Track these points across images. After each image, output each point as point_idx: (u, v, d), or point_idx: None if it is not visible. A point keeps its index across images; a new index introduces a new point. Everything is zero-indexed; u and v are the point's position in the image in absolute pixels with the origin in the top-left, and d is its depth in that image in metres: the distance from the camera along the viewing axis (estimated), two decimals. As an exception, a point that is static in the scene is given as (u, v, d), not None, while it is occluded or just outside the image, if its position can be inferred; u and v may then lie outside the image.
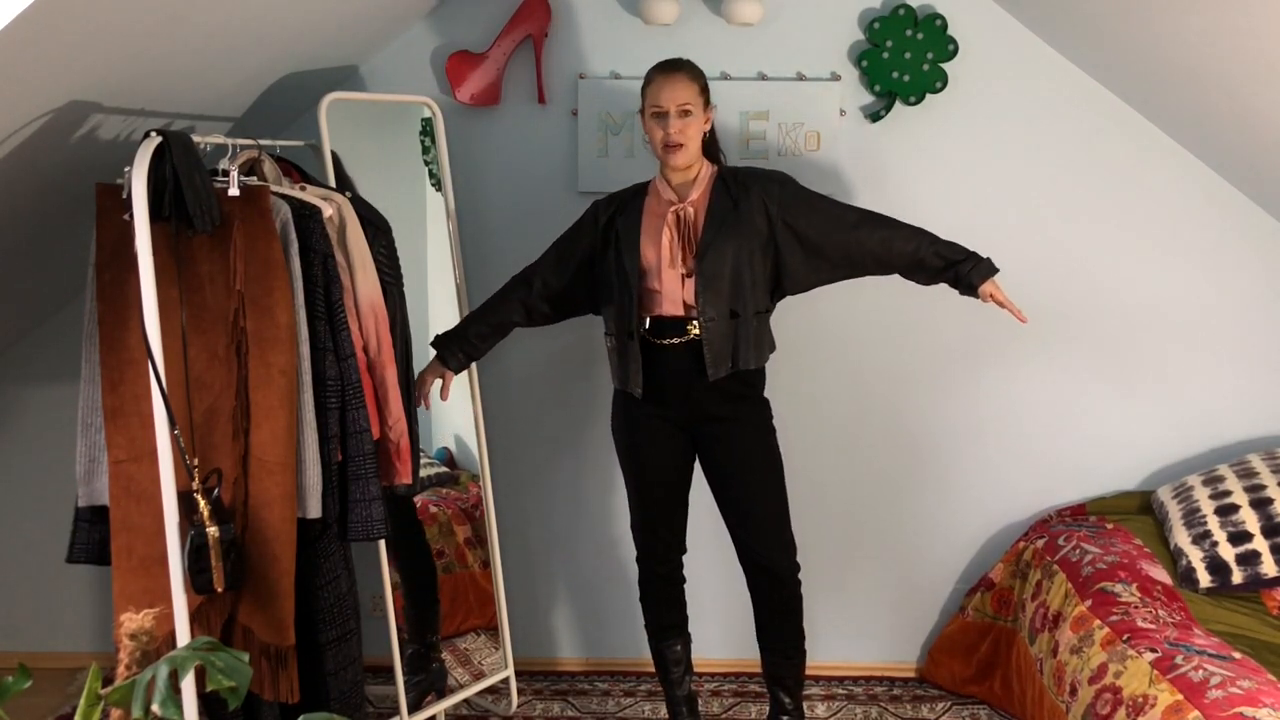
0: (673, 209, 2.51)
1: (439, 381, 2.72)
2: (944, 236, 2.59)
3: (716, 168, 2.58)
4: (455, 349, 2.72)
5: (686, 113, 2.45)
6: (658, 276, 2.52)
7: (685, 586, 2.80)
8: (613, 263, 2.57)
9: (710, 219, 2.50)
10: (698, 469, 2.70)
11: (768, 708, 2.78)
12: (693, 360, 2.52)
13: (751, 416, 2.61)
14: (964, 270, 2.52)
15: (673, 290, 2.52)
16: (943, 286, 2.62)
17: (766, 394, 2.65)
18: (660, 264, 2.51)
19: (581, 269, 2.67)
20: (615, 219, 2.59)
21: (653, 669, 3.27)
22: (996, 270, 2.54)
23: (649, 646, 2.82)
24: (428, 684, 2.92)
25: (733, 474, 2.61)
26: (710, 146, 2.59)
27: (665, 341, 2.53)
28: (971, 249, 2.56)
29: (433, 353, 2.80)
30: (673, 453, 2.65)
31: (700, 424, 2.60)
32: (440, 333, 2.76)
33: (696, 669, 3.20)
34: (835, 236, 2.54)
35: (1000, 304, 2.53)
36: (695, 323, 2.50)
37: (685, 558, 2.78)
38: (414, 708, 2.82)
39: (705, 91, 2.51)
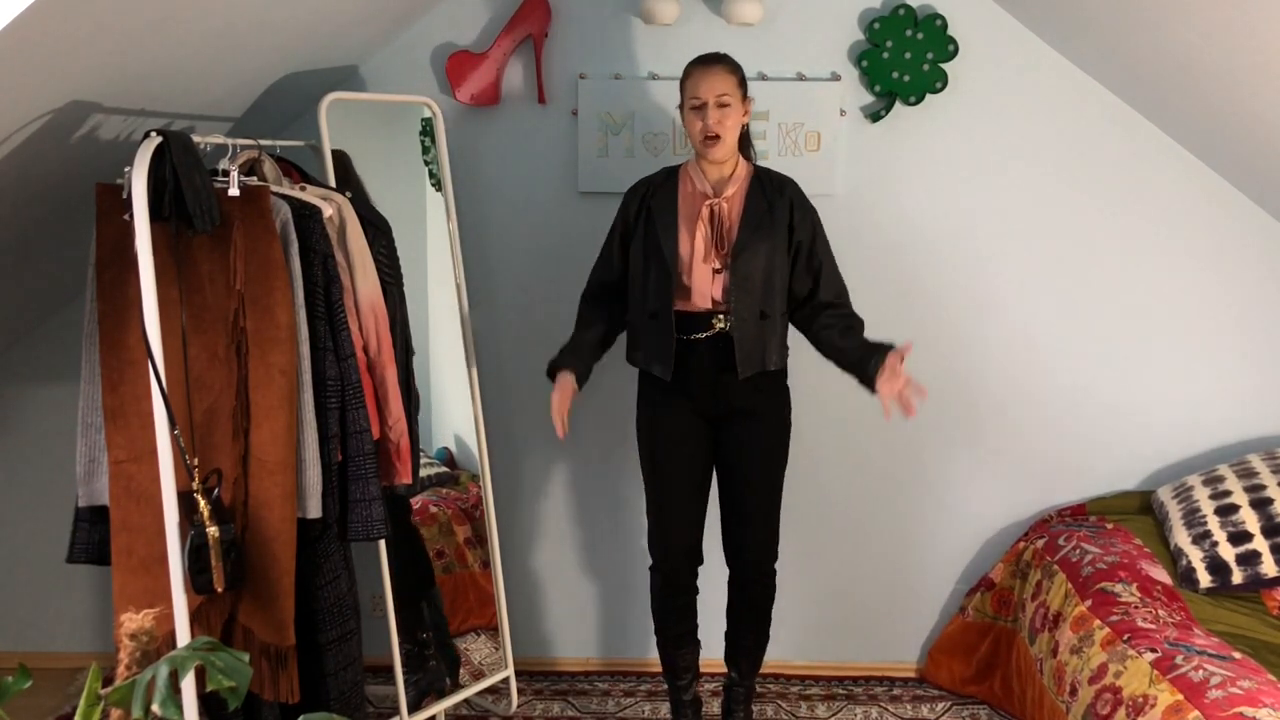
0: (707, 203, 2.53)
1: (569, 396, 2.59)
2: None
3: (751, 166, 2.59)
4: (571, 360, 2.61)
5: (724, 104, 2.46)
6: (688, 270, 2.53)
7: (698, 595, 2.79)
8: (643, 242, 2.57)
9: (746, 219, 2.52)
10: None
11: (767, 706, 2.79)
12: (719, 355, 2.54)
13: (774, 411, 2.65)
14: (868, 366, 2.47)
15: (702, 285, 2.53)
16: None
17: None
18: (693, 258, 2.53)
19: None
20: (648, 201, 2.59)
21: (653, 669, 3.28)
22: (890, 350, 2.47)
23: (657, 650, 2.82)
24: (425, 683, 2.92)
25: (742, 464, 2.63)
26: (743, 142, 2.60)
27: (692, 337, 2.55)
28: (875, 347, 2.50)
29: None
30: (696, 446, 2.65)
31: (725, 416, 2.62)
32: (551, 359, 2.64)
33: (702, 670, 3.20)
34: (804, 287, 2.57)
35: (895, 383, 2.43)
36: (720, 318, 2.52)
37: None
38: (413, 707, 2.82)
39: (743, 85, 2.52)
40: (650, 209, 2.57)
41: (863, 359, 2.49)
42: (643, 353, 2.59)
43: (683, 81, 2.52)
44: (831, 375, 3.12)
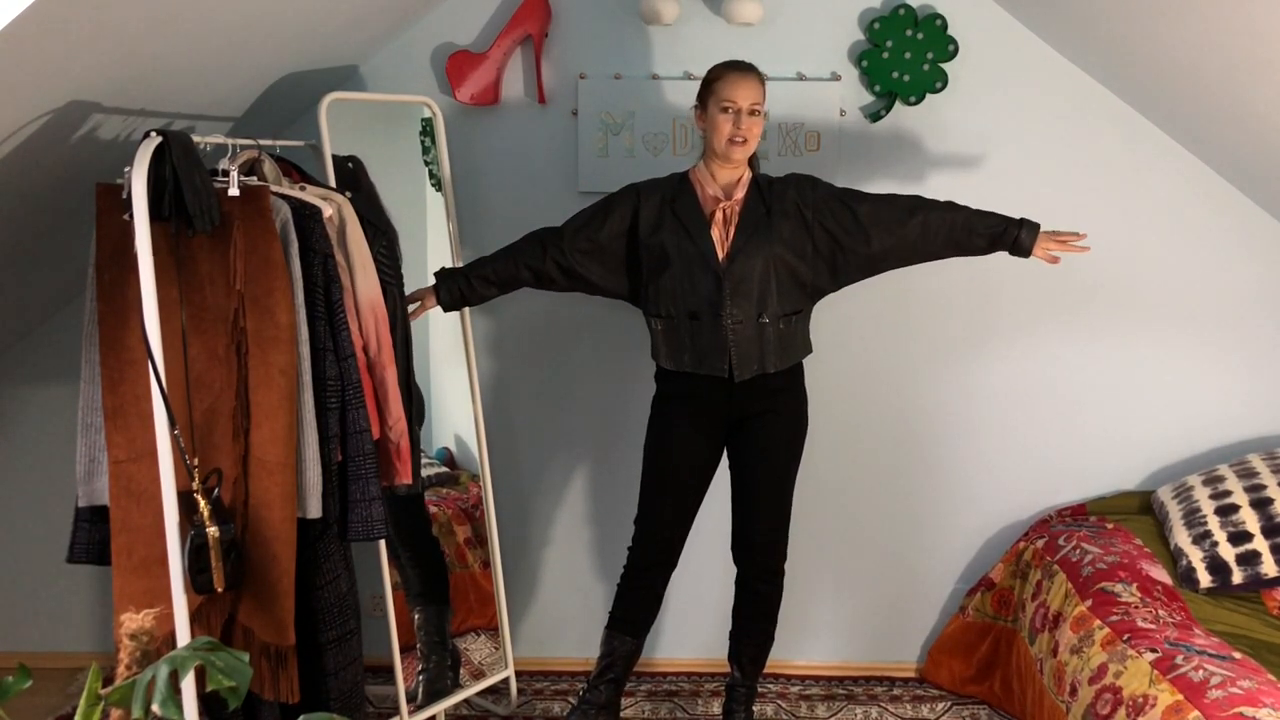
0: (720, 206, 2.57)
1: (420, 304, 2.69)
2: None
3: (752, 173, 2.62)
4: (452, 284, 2.69)
5: (755, 112, 2.52)
6: None
7: (671, 598, 2.79)
8: (671, 245, 2.57)
9: (743, 223, 2.56)
10: (713, 486, 2.73)
11: (767, 706, 2.78)
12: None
13: (791, 410, 2.67)
14: (1008, 240, 2.61)
15: None
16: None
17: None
18: None
19: (606, 250, 2.65)
20: (668, 206, 2.60)
21: (653, 669, 3.28)
22: (1038, 226, 2.61)
23: (603, 632, 2.79)
24: (435, 673, 2.92)
25: (756, 461, 2.66)
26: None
27: None
28: (1005, 217, 2.60)
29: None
30: (704, 449, 2.68)
31: (742, 416, 2.64)
32: (445, 267, 2.75)
33: (703, 670, 3.20)
34: (874, 234, 2.59)
35: (1058, 254, 2.62)
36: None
37: (689, 564, 2.77)
38: (425, 700, 2.82)
39: (764, 99, 2.57)
40: (677, 213, 2.59)
41: (1004, 233, 2.60)
42: (690, 354, 2.60)
43: (712, 82, 2.54)
44: (831, 374, 3.13)
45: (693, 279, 2.56)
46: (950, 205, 2.62)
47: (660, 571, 2.73)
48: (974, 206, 2.64)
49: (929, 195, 3.06)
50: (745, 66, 2.55)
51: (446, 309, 2.72)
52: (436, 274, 2.71)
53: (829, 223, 2.58)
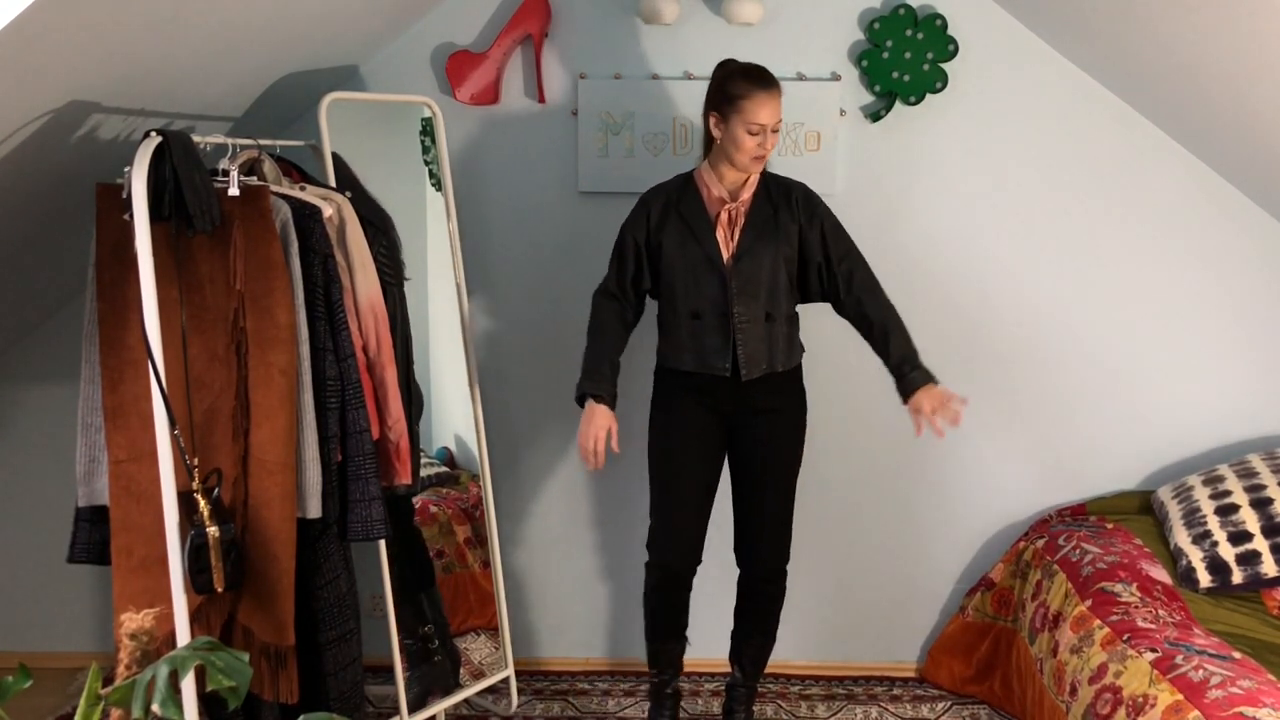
0: (725, 207, 2.57)
1: (609, 429, 2.52)
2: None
3: (761, 172, 2.62)
4: (604, 385, 2.55)
5: (777, 129, 2.51)
6: None
7: (693, 596, 2.78)
8: (675, 245, 2.58)
9: (750, 223, 2.56)
10: (723, 480, 2.74)
11: (767, 706, 2.78)
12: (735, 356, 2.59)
13: (792, 410, 2.68)
14: (908, 368, 2.57)
15: None
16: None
17: None
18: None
19: (644, 268, 2.65)
20: (673, 208, 2.60)
21: (653, 669, 3.27)
22: (934, 380, 2.56)
23: (645, 642, 2.81)
24: (430, 680, 2.91)
25: (759, 462, 2.66)
26: None
27: None
28: (919, 361, 2.58)
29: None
30: (711, 446, 2.68)
31: (743, 416, 2.64)
32: (579, 382, 2.57)
33: (703, 670, 3.20)
34: (827, 269, 2.61)
35: (921, 414, 2.53)
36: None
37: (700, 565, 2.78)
38: (418, 704, 2.82)
39: None
40: (681, 214, 2.59)
41: (900, 366, 2.58)
42: (691, 354, 2.60)
43: (737, 99, 2.46)
44: (832, 375, 3.13)
45: (697, 279, 2.57)
46: (890, 308, 2.61)
47: (690, 574, 2.72)
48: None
49: (929, 196, 3.09)
50: (770, 83, 2.49)
51: (613, 405, 2.57)
52: (581, 393, 2.56)
53: (811, 239, 2.58)
